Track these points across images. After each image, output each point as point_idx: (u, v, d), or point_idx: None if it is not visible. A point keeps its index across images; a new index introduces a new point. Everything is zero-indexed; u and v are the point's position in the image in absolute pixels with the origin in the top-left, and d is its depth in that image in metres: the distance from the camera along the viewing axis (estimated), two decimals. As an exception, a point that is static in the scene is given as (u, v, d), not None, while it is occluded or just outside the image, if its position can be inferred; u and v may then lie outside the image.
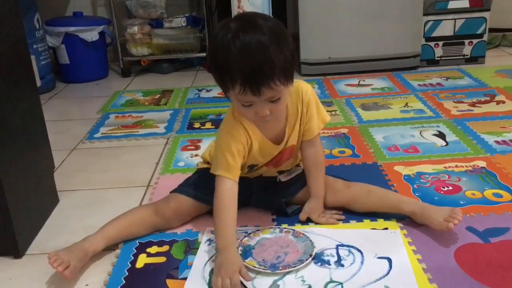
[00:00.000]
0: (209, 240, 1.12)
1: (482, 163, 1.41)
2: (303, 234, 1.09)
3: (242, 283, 0.96)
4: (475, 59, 2.45)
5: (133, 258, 1.07)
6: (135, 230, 1.14)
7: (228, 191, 1.04)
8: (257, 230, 1.12)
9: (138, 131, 1.84)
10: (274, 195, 1.20)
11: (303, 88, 1.11)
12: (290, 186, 1.21)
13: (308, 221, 1.16)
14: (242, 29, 0.94)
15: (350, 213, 1.18)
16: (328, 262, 1.01)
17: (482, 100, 1.93)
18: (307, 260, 1.00)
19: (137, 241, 1.13)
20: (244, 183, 1.18)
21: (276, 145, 1.12)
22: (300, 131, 1.14)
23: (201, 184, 1.19)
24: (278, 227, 1.13)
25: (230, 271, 0.94)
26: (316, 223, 1.15)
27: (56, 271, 1.02)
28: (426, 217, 1.09)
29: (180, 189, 1.21)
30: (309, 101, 1.12)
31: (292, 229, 1.11)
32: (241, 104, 0.99)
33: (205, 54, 2.62)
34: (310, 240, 1.07)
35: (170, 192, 1.21)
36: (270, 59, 0.92)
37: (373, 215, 1.16)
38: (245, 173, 1.17)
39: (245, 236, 1.09)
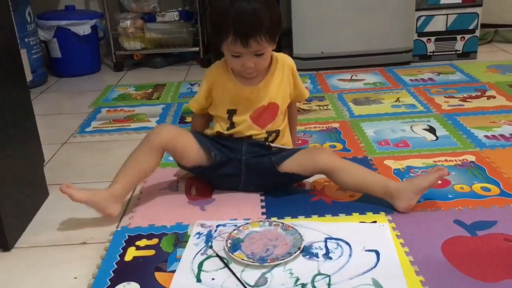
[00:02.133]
0: (199, 233, 1.12)
1: (472, 158, 1.42)
2: (292, 227, 1.10)
3: (234, 273, 0.96)
4: (467, 54, 2.46)
5: (122, 251, 1.07)
6: (140, 163, 1.22)
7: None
8: (247, 223, 1.12)
9: (129, 125, 1.84)
10: (264, 156, 1.24)
11: (287, 60, 1.29)
12: (281, 151, 1.26)
13: (297, 213, 1.17)
14: None
15: (339, 206, 1.19)
16: (316, 255, 1.02)
17: (473, 95, 1.94)
18: (295, 253, 1.01)
19: (126, 234, 1.13)
20: (234, 149, 1.25)
21: (248, 86, 1.23)
22: (286, 94, 1.28)
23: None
24: (268, 220, 1.13)
25: None
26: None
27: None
28: (415, 181, 1.15)
29: None
30: (293, 70, 1.30)
31: (281, 223, 1.12)
32: (231, 54, 1.17)
33: (198, 48, 2.62)
34: (299, 233, 1.07)
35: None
36: (259, 19, 1.12)
37: (362, 208, 1.17)
38: (229, 127, 1.26)
39: (234, 229, 1.10)
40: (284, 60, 1.28)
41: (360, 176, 1.19)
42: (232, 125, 1.26)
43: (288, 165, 1.22)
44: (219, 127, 1.28)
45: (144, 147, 1.22)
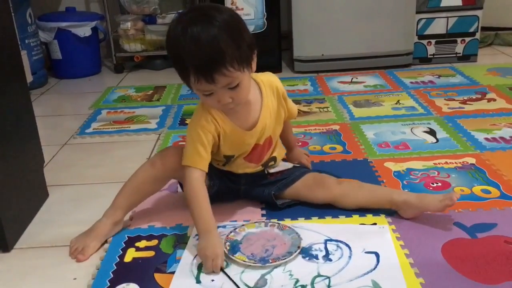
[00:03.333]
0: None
1: (472, 160, 1.42)
2: (289, 227, 1.10)
3: (229, 277, 0.96)
4: (468, 57, 2.46)
5: (121, 252, 1.07)
6: (144, 190, 1.15)
7: (197, 179, 1.07)
8: (243, 225, 1.12)
9: (129, 127, 1.84)
10: (263, 186, 1.21)
11: (276, 83, 1.15)
12: (280, 180, 1.21)
13: (297, 215, 1.17)
14: (192, 22, 0.95)
15: (339, 208, 1.18)
16: (316, 257, 1.02)
17: (473, 97, 1.94)
18: (295, 252, 1.01)
19: (126, 235, 1.13)
20: (233, 179, 1.20)
21: (248, 131, 1.11)
22: (280, 121, 1.18)
23: None
24: (263, 221, 1.13)
25: (213, 254, 0.98)
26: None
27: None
28: (423, 202, 1.11)
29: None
30: (283, 94, 1.17)
31: (277, 223, 1.12)
32: (202, 94, 1.01)
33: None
34: (296, 233, 1.07)
35: None
36: (219, 47, 0.94)
37: (363, 211, 1.17)
38: (223, 164, 1.18)
39: (231, 232, 1.09)
40: (271, 84, 1.14)
41: (363, 198, 1.16)
42: (228, 163, 1.18)
43: (288, 195, 1.20)
44: (213, 162, 1.17)
45: (150, 173, 1.13)
